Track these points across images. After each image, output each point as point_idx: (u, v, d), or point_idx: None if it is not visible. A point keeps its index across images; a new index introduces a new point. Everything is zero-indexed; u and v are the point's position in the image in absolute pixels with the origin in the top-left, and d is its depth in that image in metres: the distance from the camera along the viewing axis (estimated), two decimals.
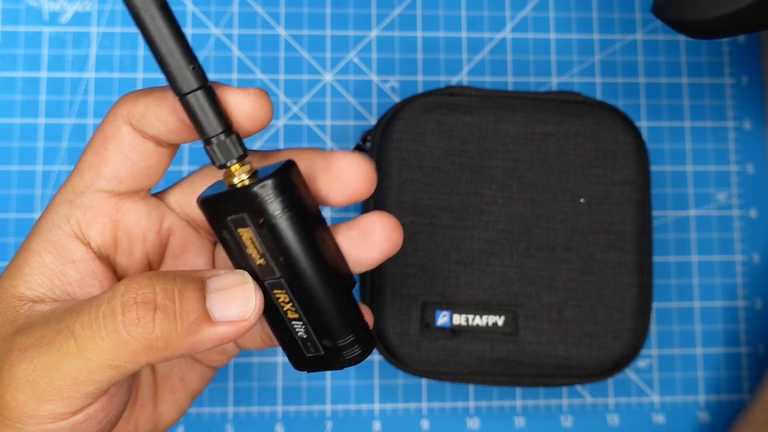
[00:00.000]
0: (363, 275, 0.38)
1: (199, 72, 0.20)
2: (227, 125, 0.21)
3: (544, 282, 0.37)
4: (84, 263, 0.23)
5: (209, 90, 0.21)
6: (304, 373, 0.41)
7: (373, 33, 0.44)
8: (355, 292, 0.40)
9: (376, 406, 0.41)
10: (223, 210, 0.22)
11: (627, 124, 0.38)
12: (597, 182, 0.38)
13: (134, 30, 0.43)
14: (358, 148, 0.40)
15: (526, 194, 0.38)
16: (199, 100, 0.21)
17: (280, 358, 0.41)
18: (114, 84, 0.42)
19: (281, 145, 0.43)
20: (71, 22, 0.43)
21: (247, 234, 0.22)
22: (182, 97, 0.21)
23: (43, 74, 0.42)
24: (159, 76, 0.43)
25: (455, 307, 0.37)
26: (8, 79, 0.42)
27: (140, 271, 0.25)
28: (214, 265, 0.27)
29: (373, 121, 0.43)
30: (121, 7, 0.43)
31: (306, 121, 0.43)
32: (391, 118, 0.38)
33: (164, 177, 0.25)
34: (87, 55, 0.43)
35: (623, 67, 0.44)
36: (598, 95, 0.44)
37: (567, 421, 0.42)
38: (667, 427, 0.42)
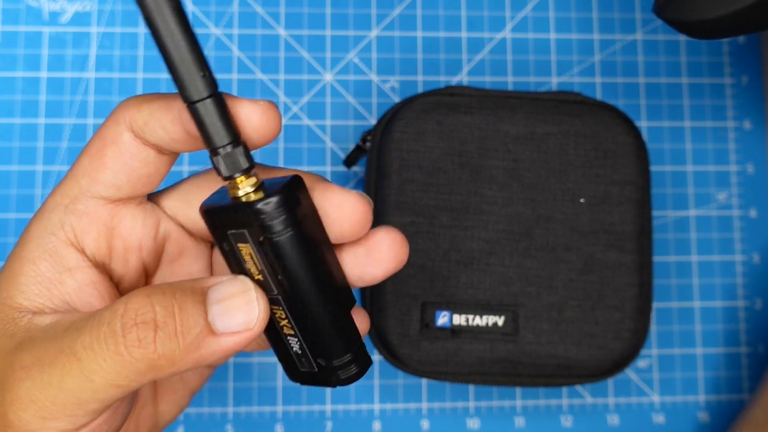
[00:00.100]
0: None
1: (210, 80, 0.20)
2: (235, 136, 0.20)
3: (544, 282, 0.37)
4: (80, 271, 0.23)
5: (219, 99, 0.20)
6: None
7: (373, 33, 0.44)
8: (355, 291, 0.40)
9: (376, 406, 0.41)
10: (225, 223, 0.21)
11: (627, 124, 0.38)
12: (597, 182, 0.38)
13: (134, 30, 0.43)
14: (358, 148, 0.40)
15: (526, 194, 0.38)
16: (208, 108, 0.20)
17: None
18: (114, 84, 0.42)
19: (281, 145, 0.43)
20: (71, 22, 0.43)
21: (246, 249, 0.21)
22: (191, 104, 0.20)
23: (43, 74, 0.42)
24: (159, 77, 0.43)
25: (455, 307, 0.37)
26: (8, 79, 0.42)
27: (136, 278, 0.24)
28: (212, 270, 0.26)
29: (373, 121, 0.43)
30: (121, 7, 0.43)
31: (306, 121, 0.43)
32: (391, 118, 0.38)
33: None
34: (87, 55, 0.43)
35: (623, 67, 0.44)
36: (598, 95, 0.44)
37: (567, 421, 0.42)
38: (667, 427, 0.42)
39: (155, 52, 0.43)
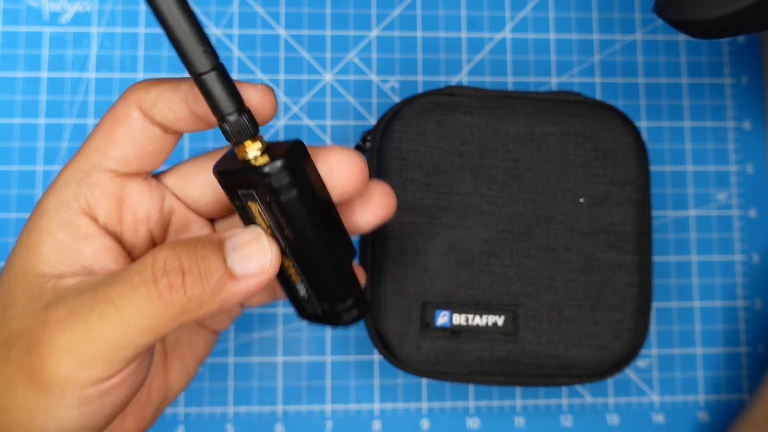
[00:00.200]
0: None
1: (212, 54, 0.22)
2: (240, 104, 0.22)
3: (544, 282, 0.37)
4: (96, 239, 0.24)
5: (222, 71, 0.22)
6: (304, 372, 0.41)
7: (373, 33, 0.44)
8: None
9: (376, 406, 0.41)
10: (235, 183, 0.23)
11: (627, 124, 0.38)
12: (597, 182, 0.38)
13: (135, 30, 0.43)
14: (359, 148, 0.40)
15: (526, 194, 0.38)
16: (213, 80, 0.22)
17: (280, 357, 0.41)
18: (114, 84, 0.42)
19: None
20: (71, 23, 0.43)
21: (255, 207, 0.23)
22: (197, 77, 0.22)
23: (44, 74, 0.42)
24: (159, 77, 0.43)
25: (455, 307, 0.37)
26: (8, 79, 0.42)
27: (146, 248, 0.26)
28: None
29: (373, 121, 0.43)
30: (121, 7, 0.43)
31: (306, 121, 0.43)
32: (391, 118, 0.38)
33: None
34: (87, 56, 0.43)
35: (623, 67, 0.44)
36: (598, 95, 0.44)
37: (567, 421, 0.42)
38: (667, 427, 0.42)
39: (156, 53, 0.43)
